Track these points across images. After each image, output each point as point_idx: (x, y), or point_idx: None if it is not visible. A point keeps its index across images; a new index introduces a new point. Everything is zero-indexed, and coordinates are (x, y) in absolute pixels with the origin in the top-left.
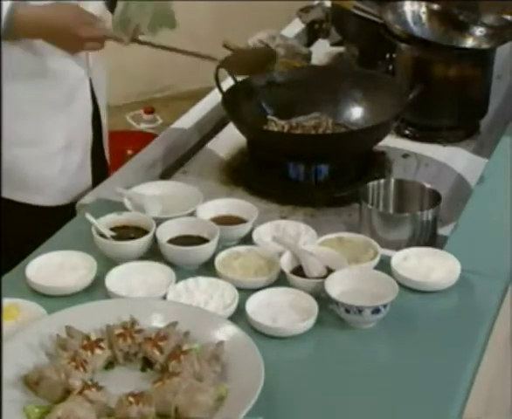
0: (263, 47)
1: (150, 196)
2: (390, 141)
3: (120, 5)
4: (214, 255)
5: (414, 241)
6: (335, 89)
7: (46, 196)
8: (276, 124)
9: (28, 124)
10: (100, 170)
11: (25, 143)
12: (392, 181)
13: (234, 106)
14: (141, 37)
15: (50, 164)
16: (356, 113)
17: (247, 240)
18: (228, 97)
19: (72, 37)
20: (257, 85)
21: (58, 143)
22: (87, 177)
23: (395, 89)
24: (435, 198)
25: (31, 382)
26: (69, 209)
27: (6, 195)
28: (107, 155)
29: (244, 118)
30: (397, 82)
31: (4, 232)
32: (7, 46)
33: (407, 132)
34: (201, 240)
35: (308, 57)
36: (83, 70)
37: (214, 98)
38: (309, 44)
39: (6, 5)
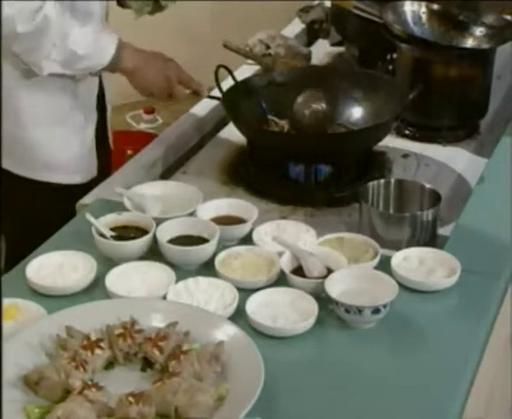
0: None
1: (150, 196)
2: (390, 141)
3: None
4: (214, 255)
5: (414, 241)
6: (335, 89)
7: (71, 174)
8: (276, 124)
9: (49, 103)
10: (105, 156)
11: (48, 123)
12: (392, 181)
13: (234, 106)
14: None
15: (72, 142)
16: (357, 113)
17: (247, 240)
18: (228, 97)
19: (164, 84)
20: (257, 85)
21: (77, 121)
22: (93, 163)
23: (395, 89)
24: (435, 198)
25: (31, 382)
26: (84, 187)
27: (29, 174)
28: (110, 141)
29: (244, 118)
30: (397, 82)
31: (23, 211)
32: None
33: (407, 132)
34: (201, 240)
35: (308, 57)
36: None
37: None
38: (309, 44)
39: (114, 41)
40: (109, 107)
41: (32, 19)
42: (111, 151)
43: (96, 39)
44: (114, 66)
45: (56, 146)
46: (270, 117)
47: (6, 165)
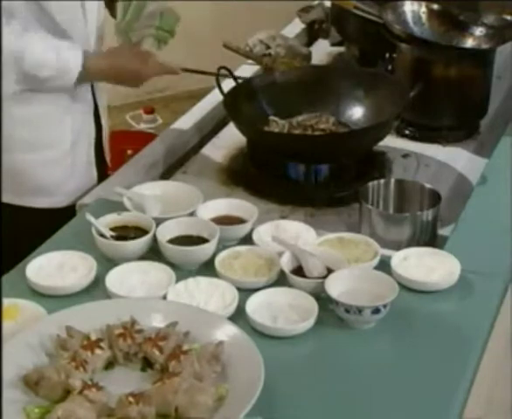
0: None
1: (150, 196)
2: (391, 141)
3: (120, 11)
4: (214, 255)
5: (414, 241)
6: (336, 88)
7: (54, 198)
8: (277, 124)
9: (35, 129)
10: (100, 171)
11: (33, 148)
12: (392, 181)
13: (235, 108)
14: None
15: (59, 166)
16: (358, 112)
17: (247, 240)
18: (229, 98)
19: (135, 79)
20: (258, 86)
21: (66, 145)
22: (93, 176)
23: (396, 87)
24: (435, 198)
25: (31, 382)
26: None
27: (14, 201)
28: (106, 156)
29: (245, 119)
30: (398, 80)
31: (9, 237)
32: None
33: (407, 132)
34: (201, 240)
35: (308, 57)
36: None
37: (214, 98)
38: (309, 44)
39: (77, 61)
40: (105, 121)
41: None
42: (107, 167)
43: (59, 60)
44: (85, 76)
45: (40, 170)
46: (271, 117)
47: None
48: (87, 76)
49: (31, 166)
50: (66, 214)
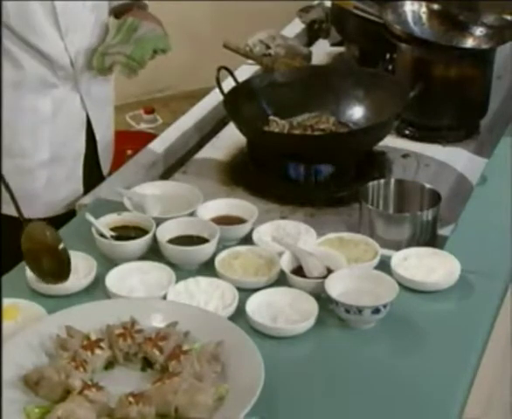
0: None
1: (150, 196)
2: (391, 141)
3: (113, 29)
4: (214, 255)
5: (414, 241)
6: (336, 88)
7: (30, 209)
8: (277, 124)
9: (10, 135)
10: (93, 182)
11: (7, 154)
12: (392, 181)
13: (235, 108)
14: None
15: (33, 177)
16: (358, 112)
17: (247, 240)
18: (229, 98)
19: None
20: (258, 86)
21: (42, 156)
22: (77, 190)
23: (396, 87)
24: (435, 198)
25: (31, 382)
26: (56, 220)
27: None
28: (103, 169)
29: (245, 119)
30: (399, 80)
31: None
32: None
33: (407, 132)
34: (201, 240)
35: (309, 57)
36: (70, 83)
37: (214, 98)
38: (309, 44)
39: None
40: (102, 140)
41: None
42: (103, 178)
43: None
44: None
45: (14, 178)
46: (271, 117)
47: None
48: None
49: (7, 172)
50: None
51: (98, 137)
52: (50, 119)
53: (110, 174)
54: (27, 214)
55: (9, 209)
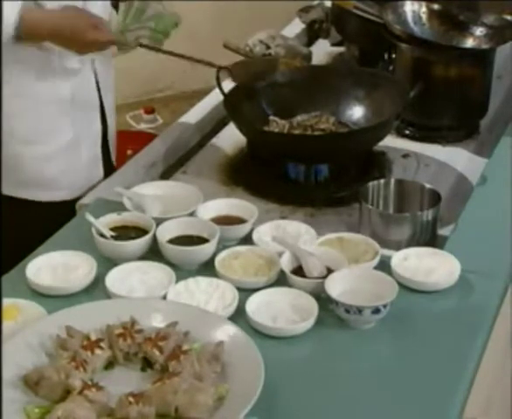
0: (266, 58)
1: (150, 196)
2: (391, 141)
3: (122, 13)
4: (214, 255)
5: (414, 241)
6: (336, 88)
7: (52, 192)
8: (277, 124)
9: (33, 121)
10: (106, 169)
11: (30, 141)
12: (392, 181)
13: (236, 108)
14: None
15: (56, 161)
16: (358, 111)
17: (247, 240)
18: (230, 99)
19: (79, 41)
20: (258, 86)
21: (63, 140)
22: (99, 172)
23: (396, 87)
24: (435, 198)
25: (31, 382)
26: (55, 218)
27: (11, 193)
28: (112, 155)
29: (245, 119)
30: (399, 79)
31: (10, 231)
32: (14, 44)
33: (407, 132)
34: (201, 240)
35: (309, 57)
36: (88, 66)
37: (214, 98)
38: (309, 44)
39: (14, 11)
40: (111, 126)
41: None
42: (113, 166)
43: None
44: (23, 37)
45: (37, 164)
46: (271, 117)
47: None
48: (25, 30)
49: (28, 158)
50: (68, 208)
51: (109, 121)
52: (69, 103)
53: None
54: (47, 197)
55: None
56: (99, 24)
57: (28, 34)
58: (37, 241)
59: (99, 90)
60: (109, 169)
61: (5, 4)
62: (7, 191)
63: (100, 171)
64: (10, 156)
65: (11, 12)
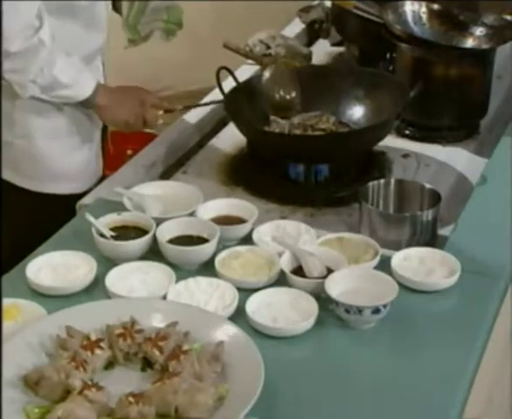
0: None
1: (150, 196)
2: (391, 141)
3: (126, 7)
4: (214, 255)
5: (414, 241)
6: (336, 88)
7: (74, 184)
8: (278, 124)
9: (55, 116)
10: (104, 157)
11: (53, 135)
12: (392, 181)
13: (236, 109)
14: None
15: (78, 153)
16: (359, 111)
17: (247, 240)
18: (230, 99)
19: (138, 119)
20: (258, 86)
21: (85, 132)
22: (100, 165)
23: (396, 86)
24: (435, 198)
25: (31, 382)
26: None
27: (34, 187)
28: (109, 140)
29: (246, 120)
30: (399, 79)
31: (30, 223)
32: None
33: (407, 132)
34: (201, 240)
35: (309, 57)
36: (99, 61)
37: (214, 98)
38: (309, 44)
39: (90, 86)
40: None
41: (28, 40)
42: (109, 150)
43: (79, 72)
44: (90, 101)
45: (60, 157)
46: (271, 117)
47: (7, 176)
48: (96, 96)
49: (51, 153)
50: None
51: None
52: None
53: (108, 174)
54: (70, 190)
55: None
56: (156, 102)
57: (92, 101)
58: (44, 233)
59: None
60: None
61: (86, 72)
62: (27, 185)
63: (101, 164)
64: (31, 151)
65: (91, 80)
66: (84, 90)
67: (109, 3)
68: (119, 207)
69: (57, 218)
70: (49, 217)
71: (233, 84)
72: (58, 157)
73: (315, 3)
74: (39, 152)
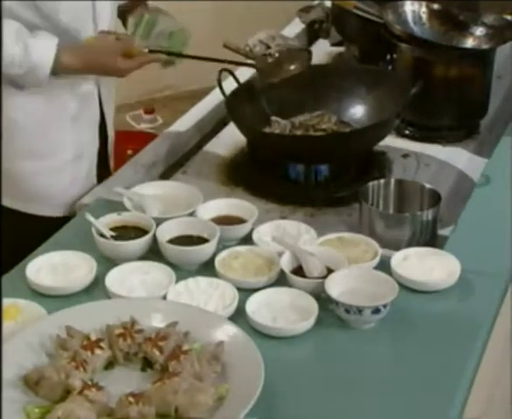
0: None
1: (150, 196)
2: (391, 141)
3: (131, 26)
4: (214, 255)
5: (414, 241)
6: (337, 87)
7: (56, 207)
8: (279, 124)
9: (38, 137)
10: (101, 178)
11: (35, 156)
12: (392, 181)
13: (237, 109)
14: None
15: (59, 176)
16: (360, 110)
17: (247, 240)
18: (231, 100)
19: (113, 72)
20: (259, 86)
21: (68, 155)
22: (93, 185)
23: (398, 84)
24: (435, 198)
25: (31, 382)
26: (56, 219)
27: (14, 206)
28: (111, 164)
29: (247, 120)
30: (399, 76)
31: (10, 242)
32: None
33: (407, 132)
34: (201, 240)
35: (309, 57)
36: (92, 81)
37: (214, 98)
38: (309, 44)
39: (51, 52)
40: (111, 136)
41: None
42: (110, 174)
43: (27, 57)
44: (59, 71)
45: (41, 178)
46: (272, 117)
47: None
48: (60, 71)
49: (32, 173)
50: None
51: (109, 131)
52: (75, 117)
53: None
54: (50, 213)
55: (18, 205)
56: (128, 51)
57: (62, 72)
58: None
59: (100, 101)
60: (106, 177)
61: (41, 46)
62: (8, 203)
63: (94, 184)
64: (11, 170)
65: (46, 58)
66: (42, 72)
67: (102, 21)
68: (119, 207)
69: (39, 239)
70: (32, 237)
71: (234, 84)
72: (35, 178)
73: (315, 3)
74: (17, 171)
